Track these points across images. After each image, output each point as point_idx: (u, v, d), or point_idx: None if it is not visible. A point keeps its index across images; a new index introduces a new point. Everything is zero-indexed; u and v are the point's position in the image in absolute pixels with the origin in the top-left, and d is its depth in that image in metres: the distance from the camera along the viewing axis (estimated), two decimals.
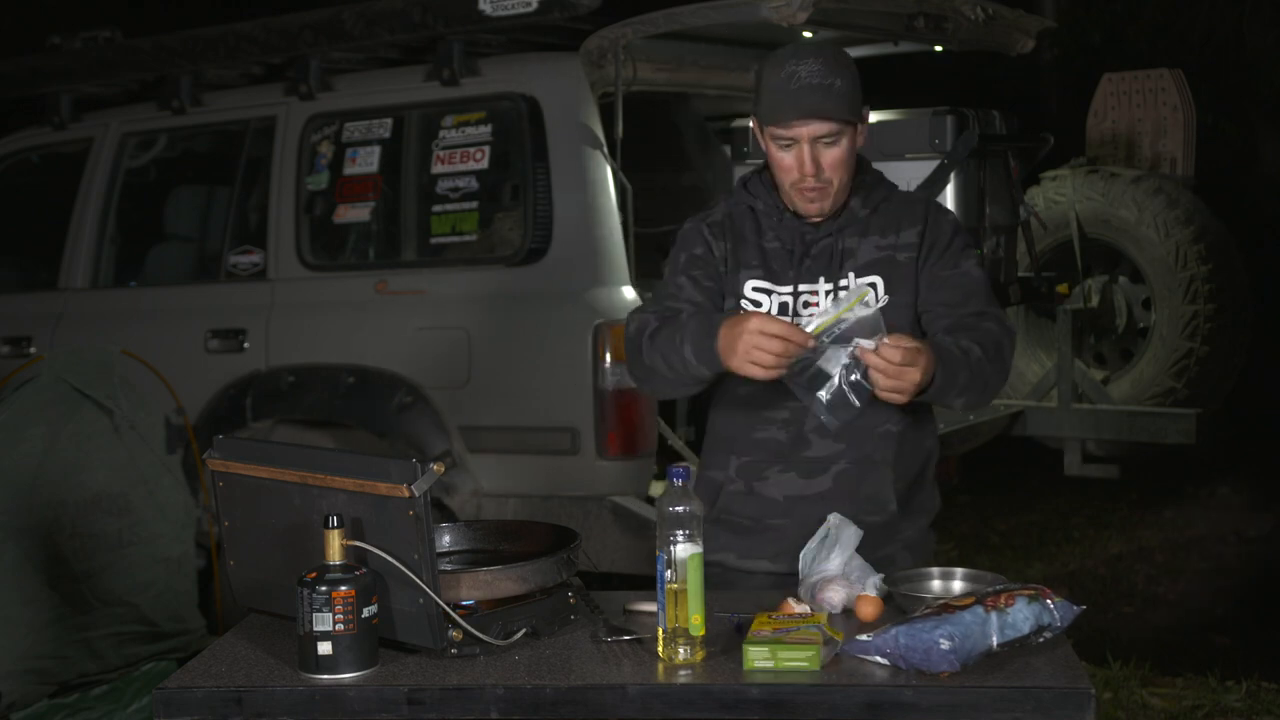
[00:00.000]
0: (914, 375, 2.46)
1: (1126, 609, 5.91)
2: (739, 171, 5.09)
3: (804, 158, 2.66)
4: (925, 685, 2.17)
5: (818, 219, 2.75)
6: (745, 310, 2.72)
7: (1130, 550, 6.73)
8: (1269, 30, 10.12)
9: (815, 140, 2.65)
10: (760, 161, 2.86)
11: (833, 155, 2.68)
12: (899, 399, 2.50)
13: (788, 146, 2.68)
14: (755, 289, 2.77)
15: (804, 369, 2.51)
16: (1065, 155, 6.65)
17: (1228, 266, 6.47)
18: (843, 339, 2.49)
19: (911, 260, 2.75)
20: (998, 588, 2.35)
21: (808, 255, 2.76)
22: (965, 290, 2.73)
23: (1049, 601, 2.30)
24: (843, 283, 2.73)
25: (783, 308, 2.75)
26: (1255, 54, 10.23)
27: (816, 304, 2.72)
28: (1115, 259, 6.68)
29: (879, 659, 2.24)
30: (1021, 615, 2.27)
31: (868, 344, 2.45)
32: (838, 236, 2.75)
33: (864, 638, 2.26)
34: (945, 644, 2.18)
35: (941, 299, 2.72)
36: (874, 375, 2.45)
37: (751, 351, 2.49)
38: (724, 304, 2.78)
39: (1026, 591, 2.32)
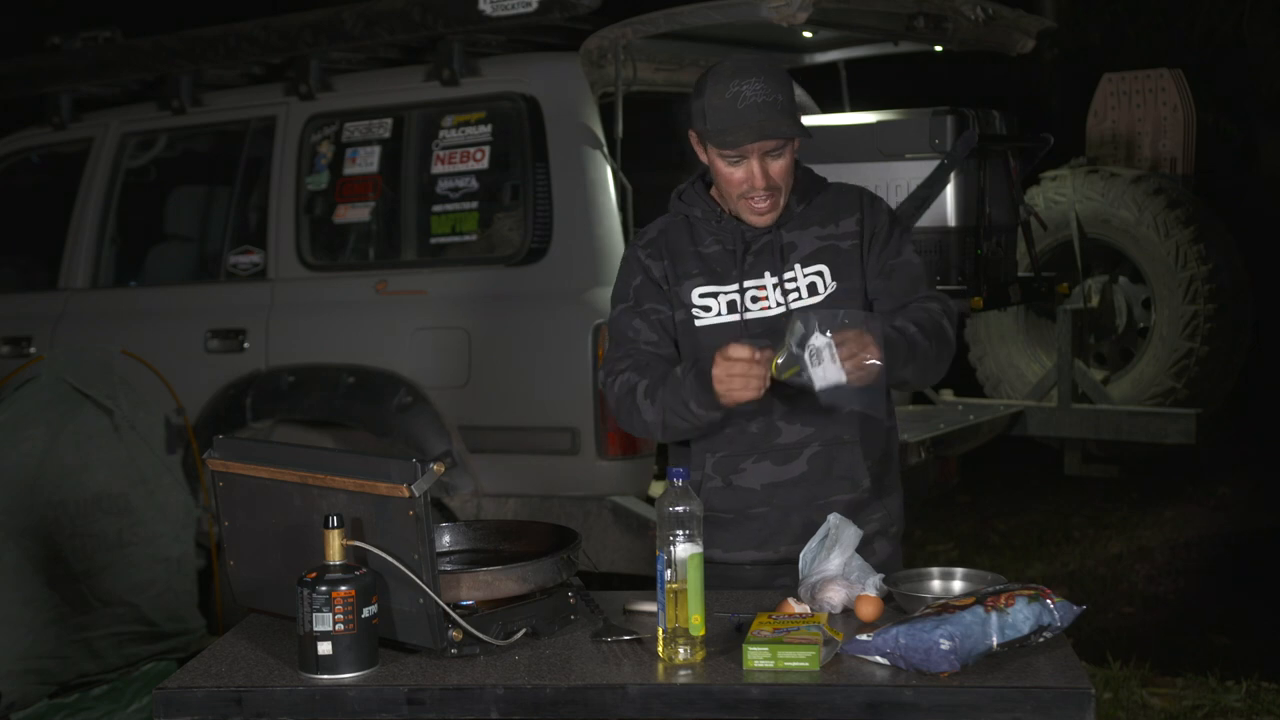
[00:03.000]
0: (874, 348, 2.53)
1: (1126, 609, 5.91)
2: None
3: (755, 171, 2.73)
4: (925, 685, 2.17)
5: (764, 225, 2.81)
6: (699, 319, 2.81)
7: (1130, 550, 6.73)
8: (1269, 30, 10.12)
9: (764, 154, 2.72)
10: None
11: (780, 165, 2.75)
12: (874, 364, 2.53)
13: (736, 162, 2.74)
14: (701, 295, 2.83)
15: (798, 377, 2.55)
16: (1065, 155, 6.65)
17: (1228, 266, 6.47)
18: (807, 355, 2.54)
19: (855, 248, 2.84)
20: (998, 588, 2.35)
21: (749, 252, 2.82)
22: (911, 278, 2.85)
23: (1049, 601, 2.31)
24: (788, 275, 2.80)
25: (731, 305, 2.81)
26: (1255, 54, 10.22)
27: (765, 298, 2.79)
28: (1115, 259, 6.68)
29: (879, 659, 2.24)
30: (1021, 615, 2.27)
31: (823, 344, 2.52)
32: (777, 232, 2.82)
33: (864, 638, 2.26)
34: (945, 644, 2.18)
35: (890, 288, 2.83)
36: (846, 353, 2.51)
37: (729, 381, 2.57)
38: (674, 319, 2.84)
39: (1026, 591, 2.32)
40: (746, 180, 2.74)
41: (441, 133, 4.88)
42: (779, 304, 2.80)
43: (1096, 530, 7.08)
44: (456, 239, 4.84)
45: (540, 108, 4.69)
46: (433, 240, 4.91)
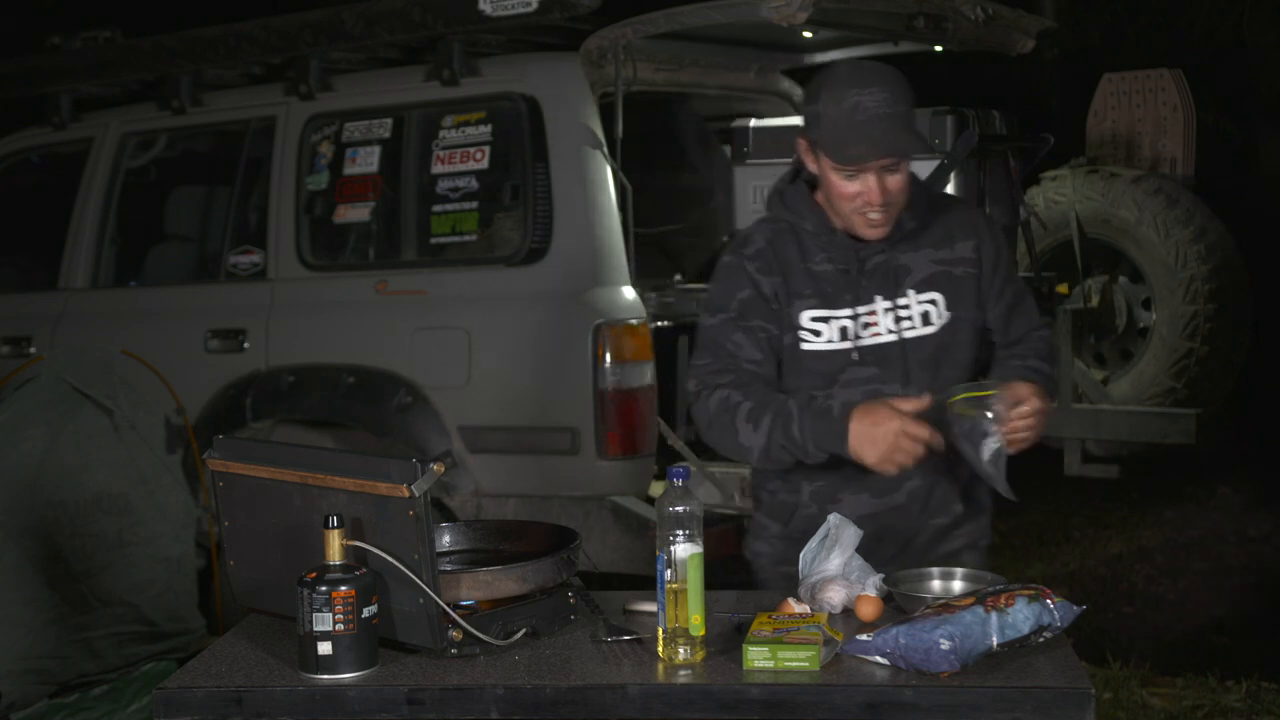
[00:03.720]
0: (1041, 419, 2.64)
1: (1126, 609, 5.91)
2: (739, 171, 5.09)
3: (872, 186, 2.61)
4: (925, 685, 2.17)
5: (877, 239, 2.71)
6: (857, 398, 2.67)
7: (1130, 550, 6.73)
8: (1269, 30, 10.12)
9: (881, 169, 2.61)
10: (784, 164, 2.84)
11: (897, 180, 2.64)
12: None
13: (852, 176, 2.62)
14: (812, 318, 2.73)
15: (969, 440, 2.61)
16: (1065, 155, 6.65)
17: (1228, 266, 6.47)
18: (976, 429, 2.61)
19: (970, 276, 2.76)
20: (998, 588, 2.35)
21: (863, 273, 2.72)
22: (1028, 308, 2.85)
23: (1049, 601, 2.31)
24: (901, 301, 2.72)
25: (843, 332, 2.73)
26: (1255, 54, 10.22)
27: (875, 324, 2.72)
28: (1115, 259, 6.68)
29: (879, 659, 2.24)
30: (1021, 615, 2.27)
31: (993, 434, 2.60)
32: (891, 252, 2.72)
33: (864, 638, 2.26)
34: (945, 644, 2.18)
35: (1014, 320, 2.83)
36: (1019, 436, 2.62)
37: (895, 454, 2.54)
38: (781, 340, 2.75)
39: (1026, 591, 2.32)
40: (862, 195, 2.63)
41: (441, 133, 4.87)
42: (890, 330, 2.72)
43: (1096, 530, 7.08)
44: (456, 239, 4.84)
45: (540, 108, 4.69)
46: (433, 240, 4.90)
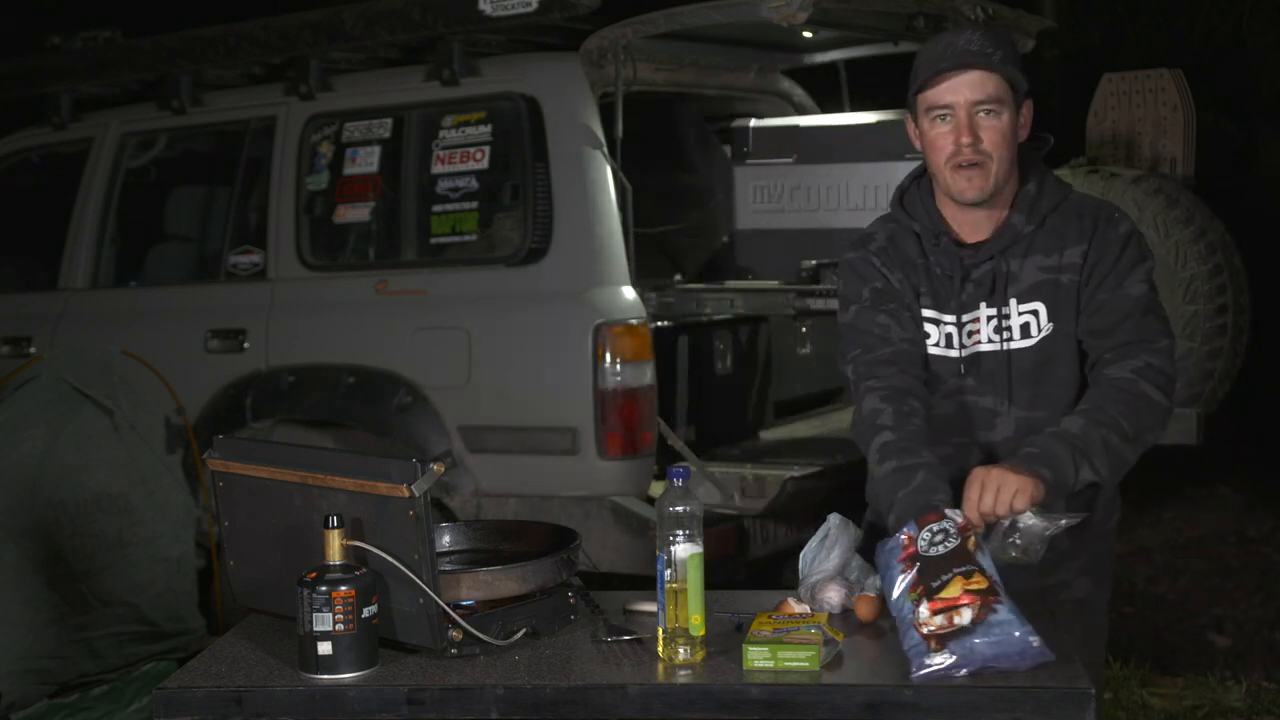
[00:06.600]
0: (1018, 500, 2.40)
1: (1126, 609, 5.91)
2: (739, 171, 5.10)
3: (962, 126, 2.54)
4: (925, 685, 2.17)
5: (976, 201, 2.59)
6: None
7: (1130, 550, 6.73)
8: (1269, 30, 10.12)
9: (974, 107, 2.54)
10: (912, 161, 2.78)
11: (992, 127, 2.55)
12: (1021, 501, 2.40)
13: (944, 117, 2.56)
14: (926, 319, 2.67)
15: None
16: (1065, 155, 6.65)
17: (1228, 266, 6.46)
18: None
19: (1074, 284, 2.62)
20: (956, 535, 2.33)
21: (969, 279, 2.64)
22: (1117, 315, 2.60)
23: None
24: (1004, 310, 2.62)
25: (948, 339, 2.67)
26: (1255, 54, 10.23)
27: (979, 332, 2.64)
28: None
29: (961, 673, 2.18)
30: (986, 557, 2.32)
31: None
32: (1000, 258, 2.62)
33: (938, 662, 2.17)
34: (1035, 640, 2.18)
35: (1090, 326, 2.62)
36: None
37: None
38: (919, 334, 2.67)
39: (969, 534, 2.32)
40: (954, 138, 2.54)
41: (441, 133, 4.87)
42: (990, 340, 2.64)
43: None
44: (456, 239, 4.84)
45: (540, 108, 4.69)
46: (433, 240, 4.90)
